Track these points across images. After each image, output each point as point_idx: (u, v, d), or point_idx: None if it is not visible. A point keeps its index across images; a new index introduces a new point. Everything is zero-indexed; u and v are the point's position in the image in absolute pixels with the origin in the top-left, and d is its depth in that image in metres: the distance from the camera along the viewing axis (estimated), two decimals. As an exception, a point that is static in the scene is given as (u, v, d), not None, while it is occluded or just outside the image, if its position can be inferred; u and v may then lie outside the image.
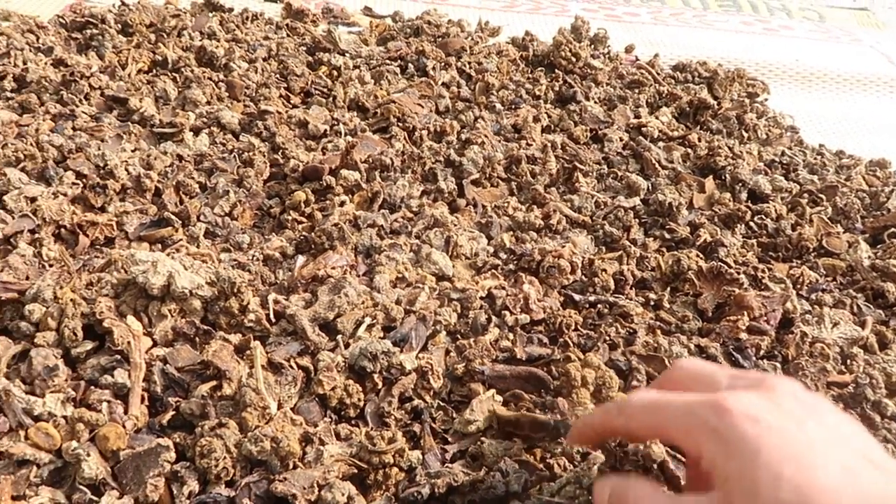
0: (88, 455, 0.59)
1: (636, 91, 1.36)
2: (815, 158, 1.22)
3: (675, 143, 1.20)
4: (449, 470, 0.62)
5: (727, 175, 1.09)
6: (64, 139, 0.96)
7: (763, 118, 1.35)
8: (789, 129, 1.35)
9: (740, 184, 1.08)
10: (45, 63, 1.16)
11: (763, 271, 0.88)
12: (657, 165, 1.11)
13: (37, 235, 0.82)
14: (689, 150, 1.17)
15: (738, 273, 0.86)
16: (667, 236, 0.97)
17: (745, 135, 1.27)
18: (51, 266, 0.79)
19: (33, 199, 0.85)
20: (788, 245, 0.97)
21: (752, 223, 1.01)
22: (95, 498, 0.58)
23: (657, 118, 1.26)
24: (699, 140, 1.21)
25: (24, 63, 1.14)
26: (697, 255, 0.91)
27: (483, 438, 0.66)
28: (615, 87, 1.37)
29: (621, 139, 1.18)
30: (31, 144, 0.95)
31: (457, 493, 0.61)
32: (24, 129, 0.99)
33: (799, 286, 0.90)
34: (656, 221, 1.00)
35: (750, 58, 1.62)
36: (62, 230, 0.85)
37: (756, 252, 0.97)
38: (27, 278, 0.76)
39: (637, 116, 1.26)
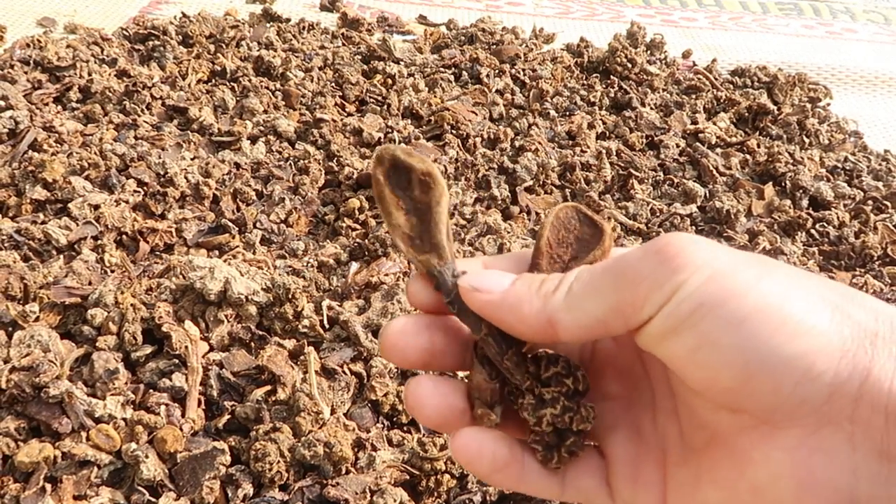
0: (147, 457, 0.60)
1: (693, 97, 1.34)
2: (881, 164, 1.19)
3: (733, 150, 1.17)
4: (501, 478, 0.62)
5: (787, 181, 1.07)
6: (126, 148, 0.99)
7: (825, 123, 1.32)
8: (853, 134, 1.32)
9: (801, 190, 1.05)
10: (109, 74, 1.20)
11: (825, 280, 0.86)
12: (715, 172, 1.09)
13: (99, 242, 0.84)
14: (748, 157, 1.15)
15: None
16: (724, 244, 0.95)
17: (807, 140, 1.24)
18: (112, 272, 0.81)
19: (96, 207, 0.88)
20: (851, 253, 0.95)
21: (813, 231, 0.99)
22: (153, 499, 0.59)
23: (715, 124, 1.24)
24: (758, 146, 1.18)
25: (89, 74, 1.18)
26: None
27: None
28: (672, 92, 1.35)
29: (678, 145, 1.17)
30: (95, 153, 0.97)
31: (509, 501, 0.61)
32: (89, 138, 1.02)
33: (863, 295, 0.87)
34: (713, 229, 0.98)
35: (811, 62, 1.59)
36: (123, 237, 0.87)
37: (817, 260, 0.94)
38: (90, 283, 0.77)
39: (694, 122, 1.24)
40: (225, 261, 0.80)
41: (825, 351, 0.27)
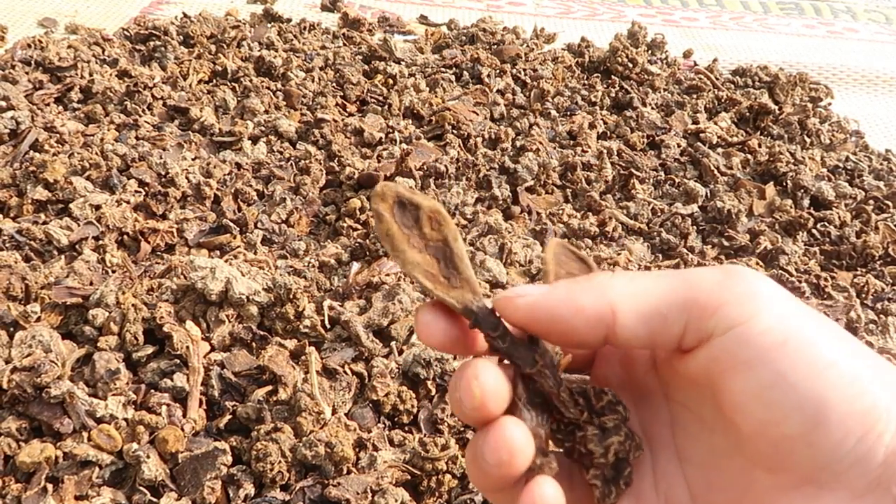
0: (148, 457, 0.60)
1: (694, 96, 1.34)
2: (882, 164, 1.19)
3: (734, 149, 1.17)
4: (502, 478, 0.62)
5: (788, 181, 1.07)
6: (127, 148, 0.99)
7: (826, 123, 1.32)
8: (854, 133, 1.32)
9: (802, 190, 1.05)
10: (110, 74, 1.20)
11: (826, 279, 0.86)
12: (716, 172, 1.09)
13: (100, 242, 0.84)
14: (749, 156, 1.15)
15: (800, 281, 0.84)
16: (725, 244, 0.95)
17: (808, 140, 1.24)
18: (113, 272, 0.81)
19: (97, 207, 0.88)
20: (853, 253, 0.94)
21: (814, 230, 0.99)
22: (154, 499, 0.59)
23: (716, 124, 1.24)
24: (759, 146, 1.18)
25: (91, 75, 1.18)
26: (757, 263, 0.89)
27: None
28: (673, 92, 1.35)
29: (679, 145, 1.17)
30: (96, 153, 0.97)
31: (510, 502, 0.61)
32: (90, 138, 1.02)
33: (864, 295, 0.87)
34: (714, 229, 0.98)
35: (813, 61, 1.59)
36: (125, 237, 0.87)
37: (819, 260, 0.94)
38: (91, 284, 0.78)
39: (695, 122, 1.24)
40: (226, 261, 0.80)
41: (890, 410, 0.27)
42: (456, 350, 0.32)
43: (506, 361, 0.33)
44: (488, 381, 0.30)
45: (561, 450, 0.34)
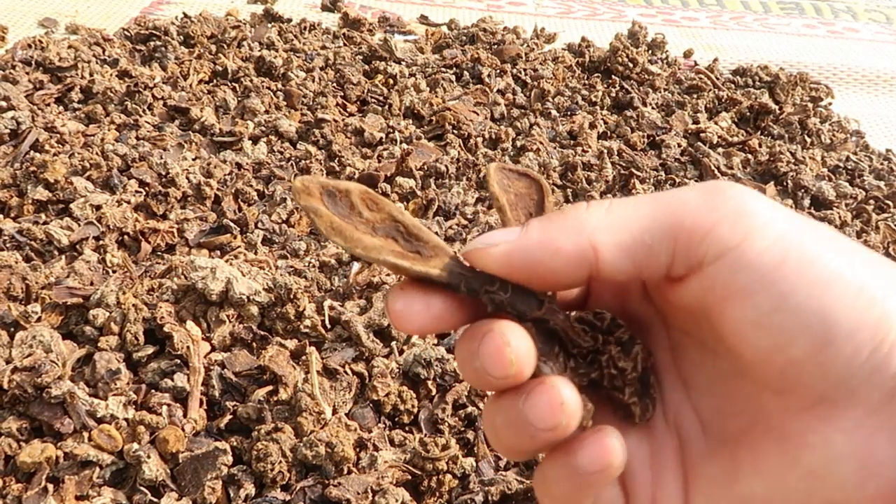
0: (149, 457, 0.60)
1: (695, 96, 1.34)
2: (882, 164, 1.19)
3: (734, 149, 1.17)
4: (503, 478, 0.62)
5: (789, 181, 1.07)
6: (128, 148, 0.99)
7: (827, 122, 1.31)
8: (854, 133, 1.31)
9: (803, 190, 1.05)
10: (111, 74, 1.20)
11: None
12: (716, 171, 1.09)
13: (101, 242, 0.84)
14: (750, 156, 1.15)
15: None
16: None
17: (808, 140, 1.24)
18: (114, 272, 0.81)
19: (98, 207, 0.88)
20: (853, 252, 0.94)
21: (815, 230, 0.99)
22: (155, 499, 0.59)
23: (716, 123, 1.24)
24: (760, 145, 1.18)
25: (91, 75, 1.18)
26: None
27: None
28: (673, 92, 1.35)
29: (679, 145, 1.17)
30: (97, 154, 0.98)
31: (511, 502, 0.61)
32: (90, 138, 1.02)
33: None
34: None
35: (813, 61, 1.59)
36: (125, 237, 0.87)
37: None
38: (91, 284, 0.78)
39: (696, 122, 1.24)
40: (226, 261, 0.80)
41: None
42: (440, 328, 0.30)
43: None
44: (521, 345, 0.28)
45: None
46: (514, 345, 0.28)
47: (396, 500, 0.59)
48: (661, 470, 0.32)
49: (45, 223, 0.86)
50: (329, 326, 0.75)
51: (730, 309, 0.27)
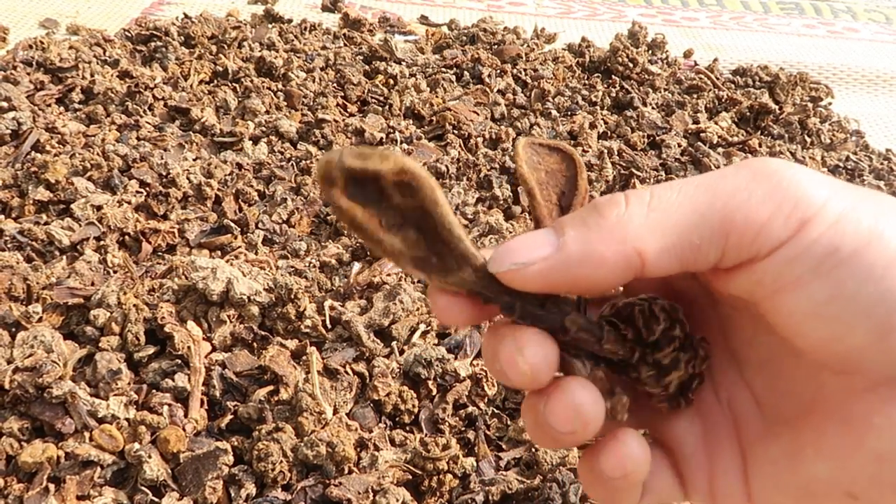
0: (150, 457, 0.61)
1: (695, 96, 1.34)
2: (882, 164, 1.19)
3: (735, 149, 1.17)
4: (503, 477, 0.62)
5: (789, 181, 1.07)
6: (128, 149, 0.99)
7: (827, 122, 1.32)
8: (854, 133, 1.32)
9: (803, 190, 1.05)
10: (112, 75, 1.20)
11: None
12: (716, 171, 1.09)
13: (102, 242, 0.84)
14: (750, 156, 1.15)
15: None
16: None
17: (808, 140, 1.24)
18: (115, 272, 0.81)
19: (99, 208, 0.88)
20: (853, 252, 0.95)
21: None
22: (156, 499, 0.60)
23: (716, 123, 1.24)
24: (760, 145, 1.18)
25: (92, 75, 1.18)
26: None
27: (537, 446, 0.66)
28: (673, 92, 1.35)
29: (679, 145, 1.17)
30: (98, 154, 0.98)
31: (511, 502, 0.61)
32: (91, 139, 1.02)
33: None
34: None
35: (813, 61, 1.59)
36: (126, 237, 0.87)
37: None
38: (92, 284, 0.78)
39: (696, 122, 1.24)
40: (227, 261, 0.81)
41: None
42: (484, 319, 0.29)
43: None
44: (535, 354, 0.27)
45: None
46: (526, 354, 0.27)
47: (397, 500, 0.59)
48: (717, 451, 0.31)
49: (46, 223, 0.86)
50: (330, 326, 0.75)
51: (780, 302, 0.26)
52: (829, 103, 1.41)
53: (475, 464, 0.63)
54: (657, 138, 1.18)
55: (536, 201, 0.31)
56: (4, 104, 1.04)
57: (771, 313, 0.26)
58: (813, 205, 0.25)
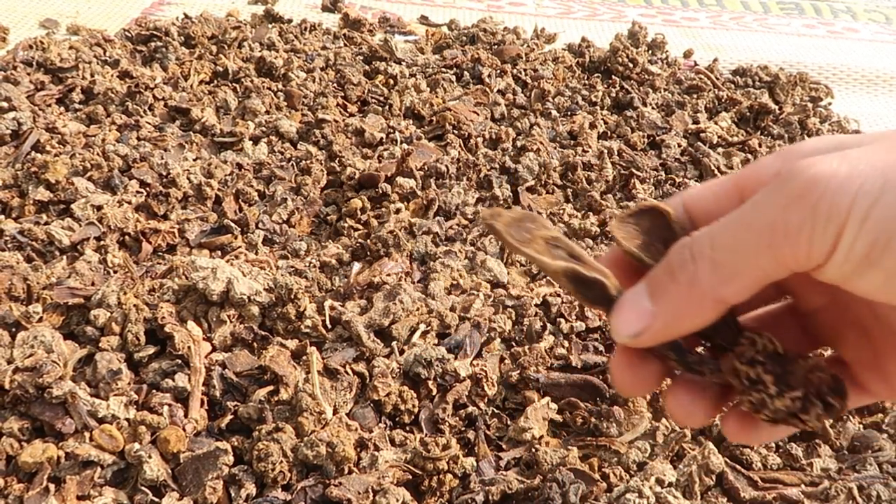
0: (150, 457, 0.61)
1: (695, 96, 1.34)
2: (882, 163, 1.19)
3: (734, 149, 1.17)
4: (503, 477, 0.62)
5: (789, 181, 1.07)
6: (129, 149, 0.99)
7: (827, 123, 1.32)
8: (854, 133, 1.32)
9: (803, 190, 1.05)
10: (112, 75, 1.20)
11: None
12: (716, 171, 1.09)
13: (102, 242, 0.85)
14: (750, 156, 1.15)
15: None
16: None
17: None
18: (115, 272, 0.81)
19: (99, 208, 0.88)
20: (853, 252, 0.95)
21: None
22: (156, 499, 0.60)
23: (716, 123, 1.24)
24: (760, 145, 1.18)
25: (92, 75, 1.18)
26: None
27: (537, 446, 0.66)
28: (673, 92, 1.35)
29: (679, 145, 1.17)
30: (98, 154, 0.98)
31: (511, 501, 0.61)
32: (91, 139, 1.02)
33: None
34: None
35: (813, 61, 1.59)
36: (126, 237, 0.87)
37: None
38: (93, 284, 0.78)
39: (696, 122, 1.24)
40: (227, 261, 0.81)
41: None
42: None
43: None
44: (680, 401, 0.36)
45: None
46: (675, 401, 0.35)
47: (397, 500, 0.59)
48: (888, 359, 0.34)
49: (46, 224, 0.86)
50: (330, 326, 0.75)
51: (853, 288, 0.29)
52: (829, 103, 1.41)
53: (475, 464, 0.63)
54: (657, 138, 1.18)
55: (646, 263, 0.35)
56: (4, 104, 1.04)
57: (856, 293, 0.30)
58: (841, 212, 0.27)
